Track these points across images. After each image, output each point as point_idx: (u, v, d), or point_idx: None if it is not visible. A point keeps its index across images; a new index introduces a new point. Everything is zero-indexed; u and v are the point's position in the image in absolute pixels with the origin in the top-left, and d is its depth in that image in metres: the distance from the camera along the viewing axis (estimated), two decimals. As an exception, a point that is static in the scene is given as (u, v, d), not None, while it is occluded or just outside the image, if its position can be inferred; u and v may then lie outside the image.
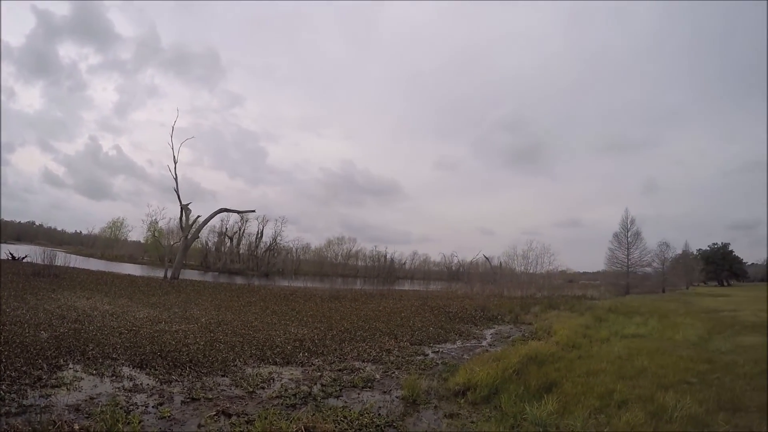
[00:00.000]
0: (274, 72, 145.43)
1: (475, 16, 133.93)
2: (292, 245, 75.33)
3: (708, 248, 74.77)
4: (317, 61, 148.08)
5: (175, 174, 33.71)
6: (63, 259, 26.23)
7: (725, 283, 72.67)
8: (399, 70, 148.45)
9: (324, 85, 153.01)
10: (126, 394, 6.04)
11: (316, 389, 6.94)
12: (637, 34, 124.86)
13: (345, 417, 5.55)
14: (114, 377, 6.81)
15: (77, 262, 31.37)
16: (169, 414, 5.39)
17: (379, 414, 5.85)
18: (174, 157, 33.82)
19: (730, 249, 74.06)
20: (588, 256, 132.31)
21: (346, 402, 6.43)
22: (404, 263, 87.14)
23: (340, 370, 8.27)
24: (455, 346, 11.97)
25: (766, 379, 7.37)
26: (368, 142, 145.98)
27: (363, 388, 7.24)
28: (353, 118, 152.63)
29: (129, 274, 31.53)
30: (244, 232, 69.21)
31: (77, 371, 6.94)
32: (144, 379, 6.83)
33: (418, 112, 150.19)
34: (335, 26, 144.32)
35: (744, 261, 76.90)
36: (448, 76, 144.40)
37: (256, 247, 69.94)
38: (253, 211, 48.43)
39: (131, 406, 5.56)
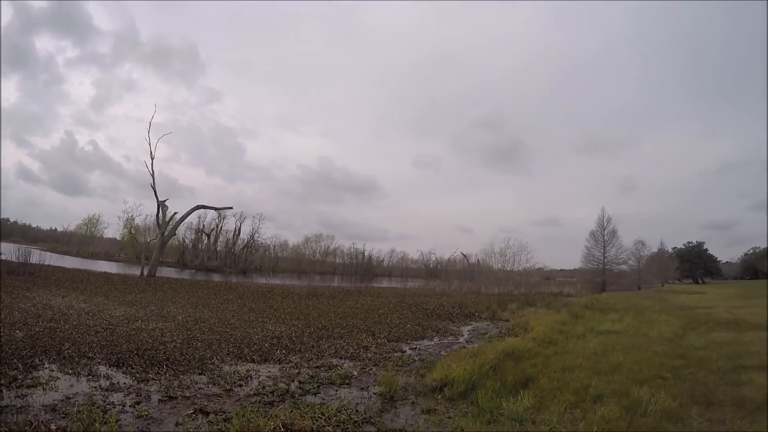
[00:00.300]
0: (253, 68, 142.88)
1: (456, 16, 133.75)
2: (269, 242, 74.75)
3: (683, 247, 76.87)
4: (297, 58, 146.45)
5: (152, 170, 33.54)
6: (38, 256, 25.68)
7: (700, 281, 74.65)
8: (379, 68, 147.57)
9: (303, 82, 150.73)
10: (103, 394, 6.00)
11: (293, 386, 6.97)
12: (616, 36, 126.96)
13: (323, 414, 5.59)
14: (90, 376, 6.74)
15: (52, 259, 30.61)
16: (146, 413, 5.38)
17: (357, 410, 5.90)
18: (151, 153, 33.53)
19: (704, 248, 76.32)
20: (565, 254, 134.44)
21: (323, 399, 6.47)
22: (382, 260, 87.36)
23: (317, 367, 8.31)
24: (432, 343, 12.12)
25: (740, 374, 7.61)
26: (347, 139, 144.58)
27: (340, 384, 7.30)
28: (332, 115, 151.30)
29: (105, 272, 30.99)
30: (221, 229, 68.32)
31: (53, 371, 6.85)
32: (121, 378, 6.78)
33: (398, 110, 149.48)
34: (316, 24, 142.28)
35: (718, 259, 79.41)
36: (428, 75, 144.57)
37: (234, 244, 69.22)
38: (231, 208, 48.01)
39: (108, 406, 5.52)
